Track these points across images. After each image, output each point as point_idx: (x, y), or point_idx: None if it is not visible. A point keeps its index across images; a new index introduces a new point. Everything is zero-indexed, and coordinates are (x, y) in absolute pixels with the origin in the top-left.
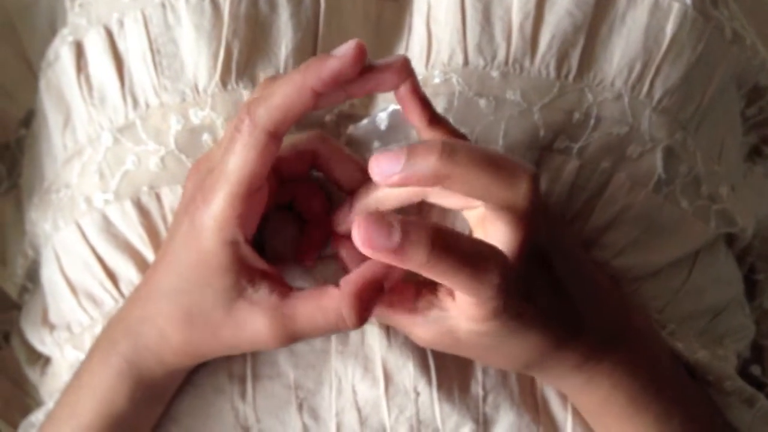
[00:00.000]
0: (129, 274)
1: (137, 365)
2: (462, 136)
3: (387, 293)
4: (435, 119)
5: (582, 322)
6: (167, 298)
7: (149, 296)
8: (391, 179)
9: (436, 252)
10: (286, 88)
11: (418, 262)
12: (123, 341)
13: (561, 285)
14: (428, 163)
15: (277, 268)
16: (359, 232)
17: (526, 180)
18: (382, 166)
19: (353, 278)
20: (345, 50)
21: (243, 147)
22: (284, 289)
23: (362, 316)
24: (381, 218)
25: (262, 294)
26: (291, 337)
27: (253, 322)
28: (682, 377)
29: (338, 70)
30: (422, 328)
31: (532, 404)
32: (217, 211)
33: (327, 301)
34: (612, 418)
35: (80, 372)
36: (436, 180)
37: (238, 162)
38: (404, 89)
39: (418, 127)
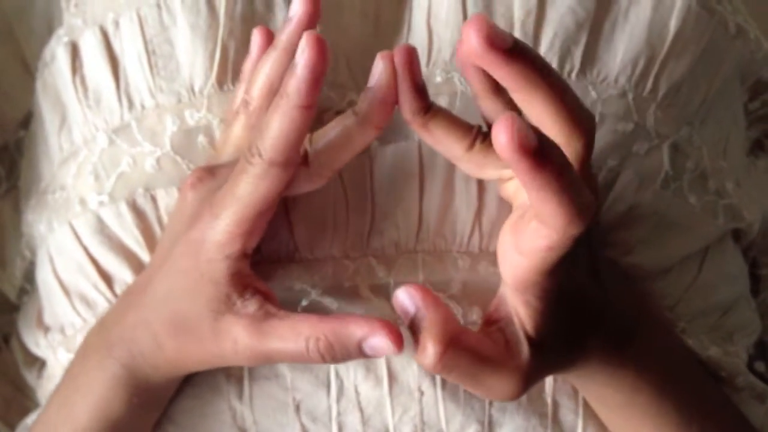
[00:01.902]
0: (124, 275)
1: (133, 371)
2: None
3: (462, 345)
4: (498, 87)
5: (606, 306)
6: (162, 304)
7: (145, 302)
8: (522, 157)
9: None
10: (276, 116)
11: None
12: (118, 346)
13: (593, 265)
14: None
15: (273, 270)
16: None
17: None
18: (526, 140)
19: (333, 320)
20: (302, 53)
21: (254, 177)
22: (273, 308)
23: (327, 355)
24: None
25: (250, 309)
26: (263, 356)
27: (235, 334)
28: (695, 368)
29: (309, 76)
30: (502, 372)
31: (540, 408)
32: (223, 227)
33: (302, 327)
34: (638, 409)
35: (75, 374)
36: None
37: (249, 188)
38: (398, 60)
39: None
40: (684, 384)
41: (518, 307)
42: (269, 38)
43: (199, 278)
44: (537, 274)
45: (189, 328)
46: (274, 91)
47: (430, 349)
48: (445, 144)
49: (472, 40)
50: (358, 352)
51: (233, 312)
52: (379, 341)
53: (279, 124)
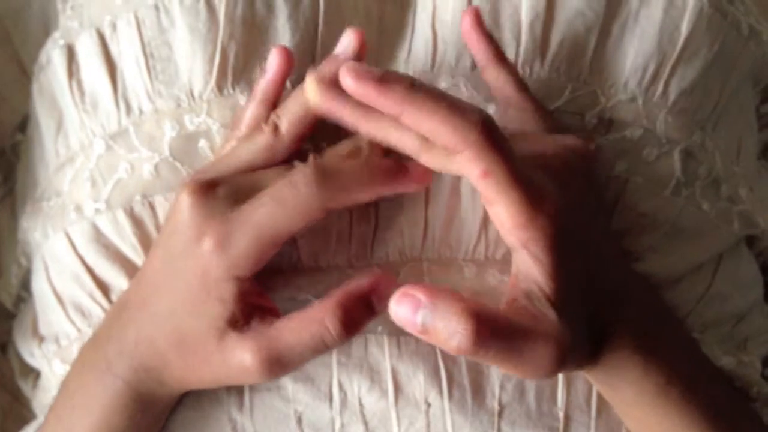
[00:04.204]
0: (121, 284)
1: (136, 387)
2: (517, 74)
3: (492, 331)
4: (501, 58)
5: (630, 289)
6: (165, 321)
7: (145, 317)
8: (365, 83)
9: None
10: (361, 184)
11: None
12: (120, 362)
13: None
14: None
15: (276, 280)
16: None
17: None
18: None
19: (338, 289)
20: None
21: (294, 207)
22: (274, 318)
23: (347, 325)
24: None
25: (252, 325)
26: (277, 362)
27: (241, 352)
28: (715, 367)
29: (405, 186)
30: (537, 339)
31: (551, 423)
32: (238, 251)
33: (311, 314)
34: (672, 405)
35: (72, 390)
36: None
37: (282, 218)
38: (467, 23)
39: (482, 64)
40: (710, 380)
41: (531, 268)
42: (288, 59)
43: (206, 297)
44: (514, 209)
45: (194, 348)
46: (307, 123)
47: (462, 328)
48: None
49: (346, 81)
50: (370, 310)
51: (236, 330)
52: (383, 285)
53: (358, 189)
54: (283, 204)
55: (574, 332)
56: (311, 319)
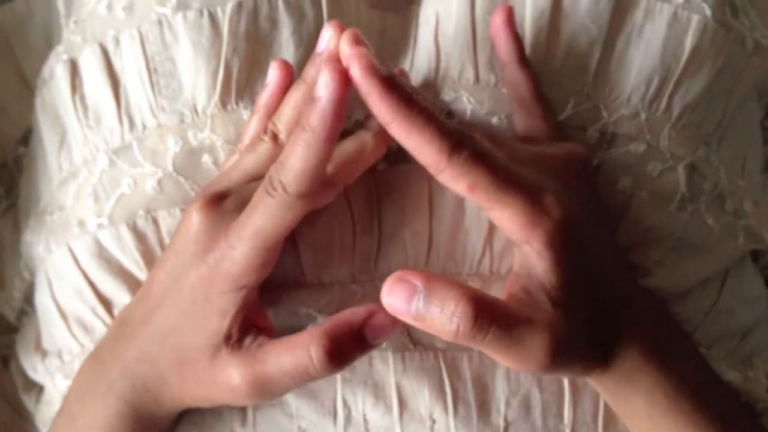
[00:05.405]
0: (123, 300)
1: (136, 407)
2: (534, 78)
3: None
4: (524, 59)
5: (637, 295)
6: (167, 337)
7: (146, 334)
8: (372, 79)
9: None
10: (299, 150)
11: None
12: (121, 382)
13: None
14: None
15: (279, 294)
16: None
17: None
18: None
19: (328, 319)
20: (326, 86)
21: (276, 208)
22: (266, 339)
23: (332, 358)
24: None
25: (244, 344)
26: (265, 385)
27: (229, 371)
28: (722, 381)
29: (332, 108)
30: (534, 328)
31: None
32: (242, 259)
33: (297, 340)
34: (683, 416)
35: (73, 412)
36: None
37: (269, 220)
38: (499, 20)
39: (505, 61)
40: (719, 393)
41: (534, 263)
42: (288, 72)
43: (208, 308)
44: (511, 211)
45: (189, 363)
46: None
47: (460, 312)
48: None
49: (354, 70)
50: (363, 344)
51: (228, 346)
52: (379, 319)
53: (304, 158)
54: (266, 209)
55: (573, 327)
56: (296, 345)
